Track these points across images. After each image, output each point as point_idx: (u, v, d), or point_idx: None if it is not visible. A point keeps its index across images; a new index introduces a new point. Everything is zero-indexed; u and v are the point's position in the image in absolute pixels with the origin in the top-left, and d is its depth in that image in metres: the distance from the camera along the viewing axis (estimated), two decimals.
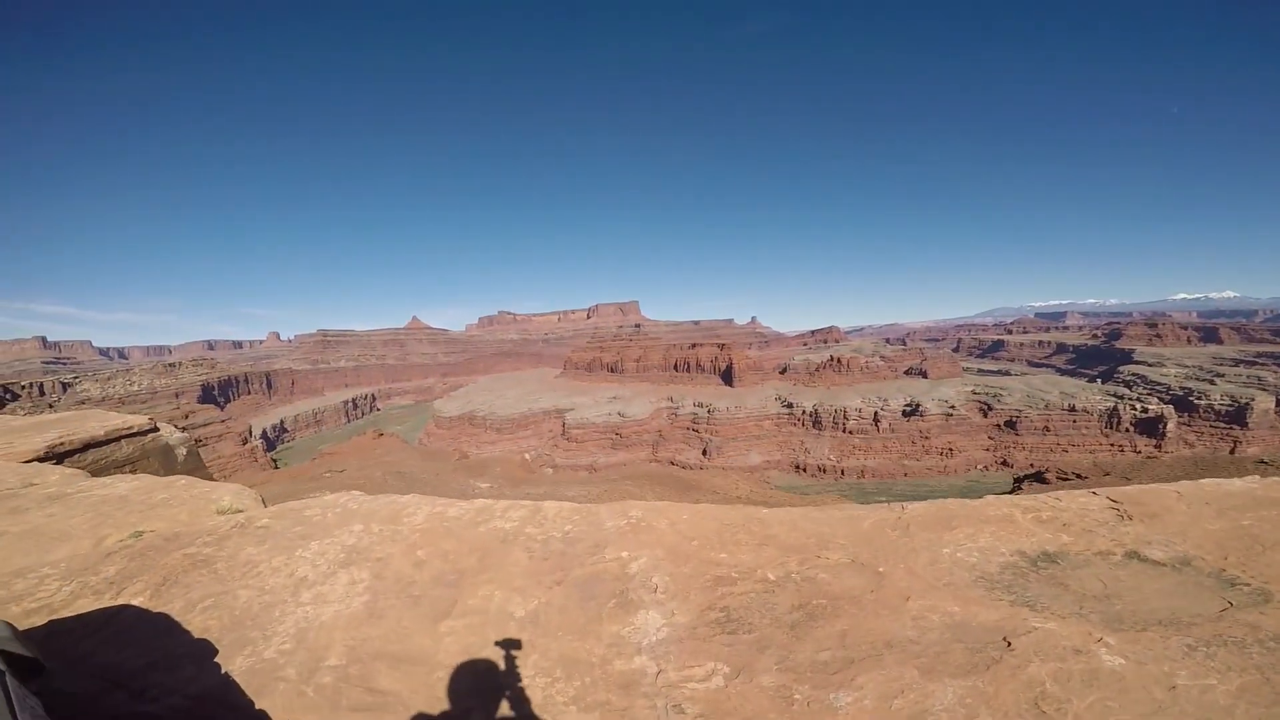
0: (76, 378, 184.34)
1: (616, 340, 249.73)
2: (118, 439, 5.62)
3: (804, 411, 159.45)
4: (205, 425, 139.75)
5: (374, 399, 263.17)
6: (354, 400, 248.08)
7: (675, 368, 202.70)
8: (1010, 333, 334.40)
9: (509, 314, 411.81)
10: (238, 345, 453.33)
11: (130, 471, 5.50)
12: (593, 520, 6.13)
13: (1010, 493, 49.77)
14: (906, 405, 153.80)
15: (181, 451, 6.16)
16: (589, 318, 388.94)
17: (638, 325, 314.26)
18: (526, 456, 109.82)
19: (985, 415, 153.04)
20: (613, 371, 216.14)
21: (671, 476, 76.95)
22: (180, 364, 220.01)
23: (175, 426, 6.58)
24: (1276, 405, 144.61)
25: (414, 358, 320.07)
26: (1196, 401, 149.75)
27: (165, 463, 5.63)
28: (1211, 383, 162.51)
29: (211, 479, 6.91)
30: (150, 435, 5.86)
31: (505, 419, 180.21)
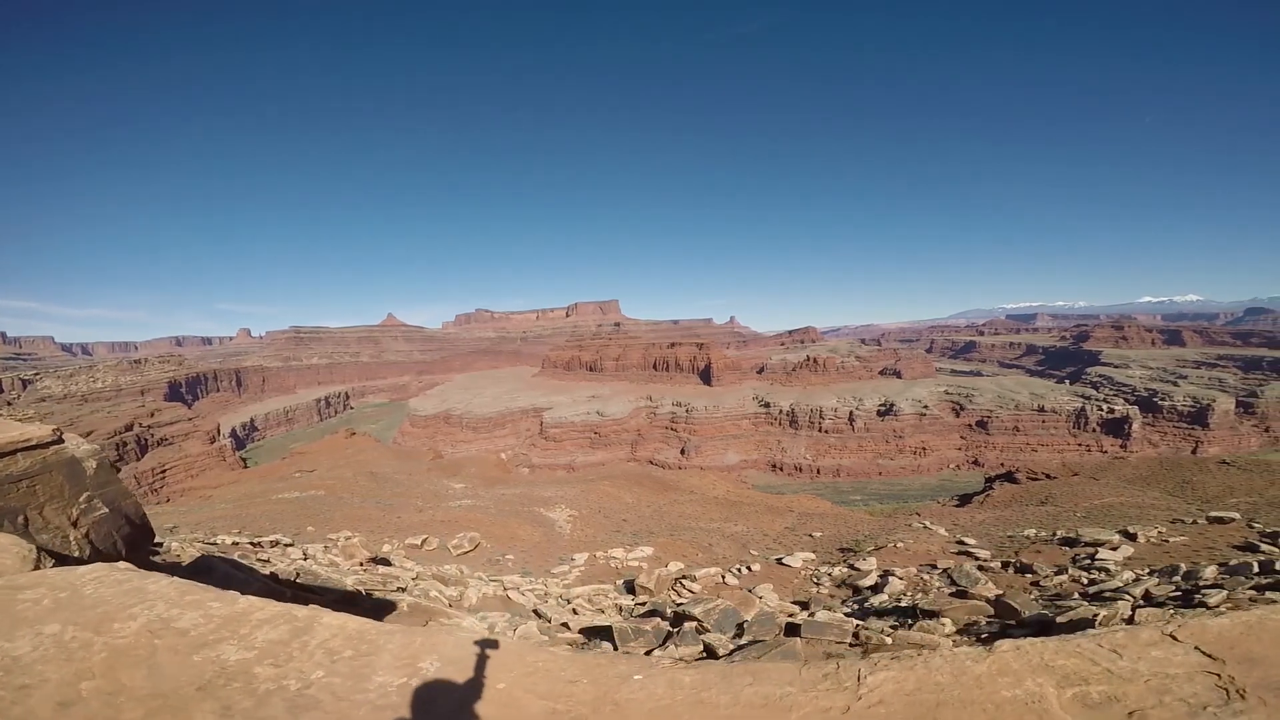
0: (37, 374, 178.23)
1: (596, 339, 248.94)
2: (12, 452, 5.09)
3: (781, 411, 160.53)
4: (172, 424, 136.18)
5: (347, 397, 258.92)
6: (327, 398, 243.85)
7: (654, 367, 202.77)
8: (982, 334, 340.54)
9: (487, 311, 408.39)
10: (207, 342, 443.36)
11: (28, 487, 4.97)
12: (359, 669, 4.06)
13: (982, 493, 49.81)
14: (881, 405, 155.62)
15: (91, 464, 5.64)
16: (568, 316, 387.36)
17: (617, 324, 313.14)
18: (503, 456, 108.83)
19: (957, 415, 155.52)
20: (592, 370, 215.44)
21: (649, 476, 76.70)
22: (147, 361, 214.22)
23: (84, 438, 6.03)
24: (1237, 406, 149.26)
25: (389, 355, 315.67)
26: (1160, 402, 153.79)
27: (71, 476, 5.13)
28: (1175, 384, 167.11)
29: (129, 494, 6.35)
30: (53, 447, 5.34)
31: (482, 418, 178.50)
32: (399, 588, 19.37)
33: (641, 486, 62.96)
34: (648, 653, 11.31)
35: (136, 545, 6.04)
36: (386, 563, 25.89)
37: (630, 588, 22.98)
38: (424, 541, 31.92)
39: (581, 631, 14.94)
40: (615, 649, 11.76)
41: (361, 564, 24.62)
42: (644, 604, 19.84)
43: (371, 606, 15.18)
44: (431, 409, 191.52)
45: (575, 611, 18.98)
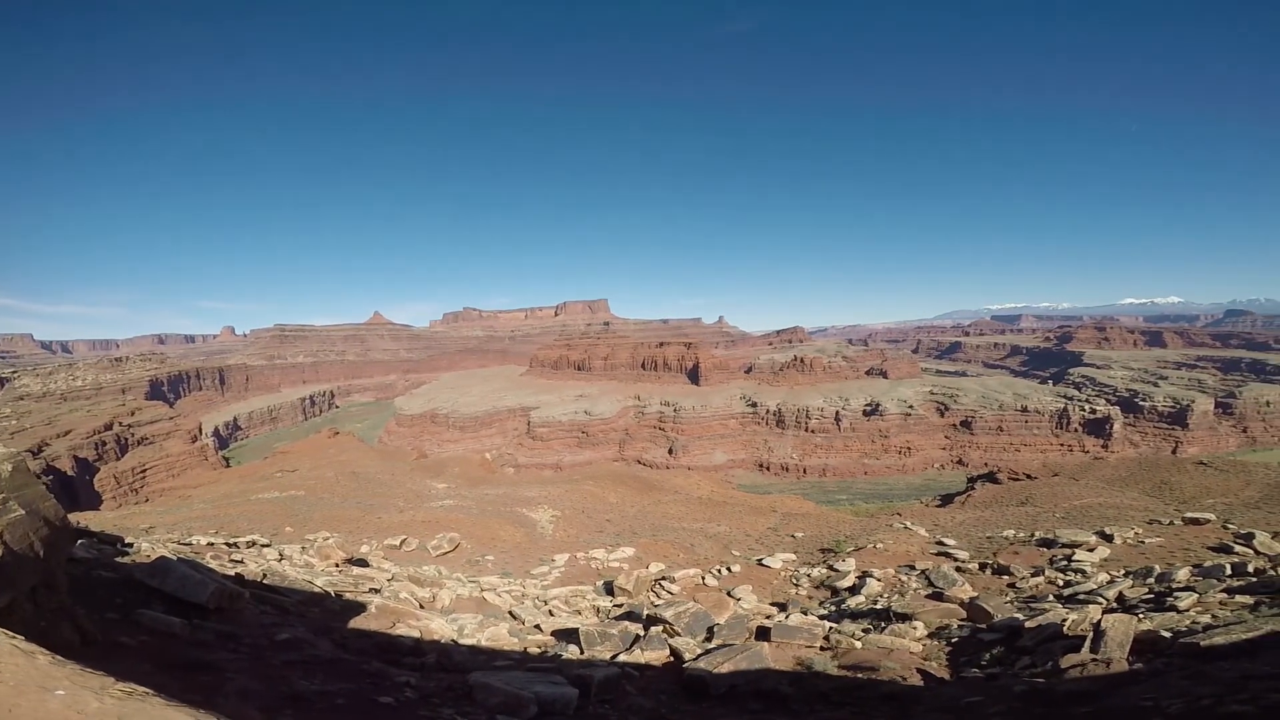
0: (15, 372, 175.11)
1: (584, 338, 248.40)
2: None
3: (768, 411, 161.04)
4: (152, 422, 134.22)
5: (333, 396, 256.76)
6: (311, 397, 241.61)
7: (643, 366, 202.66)
8: (968, 334, 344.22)
9: (474, 310, 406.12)
10: (190, 340, 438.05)
11: None
12: None
13: (963, 493, 50.22)
14: (867, 405, 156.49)
15: (6, 468, 5.38)
16: (557, 315, 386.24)
17: (606, 323, 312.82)
18: (487, 456, 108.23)
19: (942, 415, 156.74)
20: (580, 370, 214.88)
21: (635, 476, 76.49)
22: (128, 359, 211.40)
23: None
24: (1216, 407, 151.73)
25: (375, 354, 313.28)
26: (1141, 403, 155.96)
27: None
28: (1155, 385, 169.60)
29: (48, 496, 6.05)
30: None
31: (468, 417, 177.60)
32: (371, 589, 19.08)
33: (626, 486, 62.71)
34: (613, 657, 11.13)
35: (56, 546, 5.82)
36: (364, 564, 25.53)
37: (609, 589, 22.83)
38: (403, 542, 31.53)
39: (553, 634, 14.76)
40: (582, 652, 11.58)
41: (337, 565, 24.25)
42: (621, 606, 19.69)
43: (340, 608, 14.92)
44: (417, 408, 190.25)
45: (551, 613, 18.80)
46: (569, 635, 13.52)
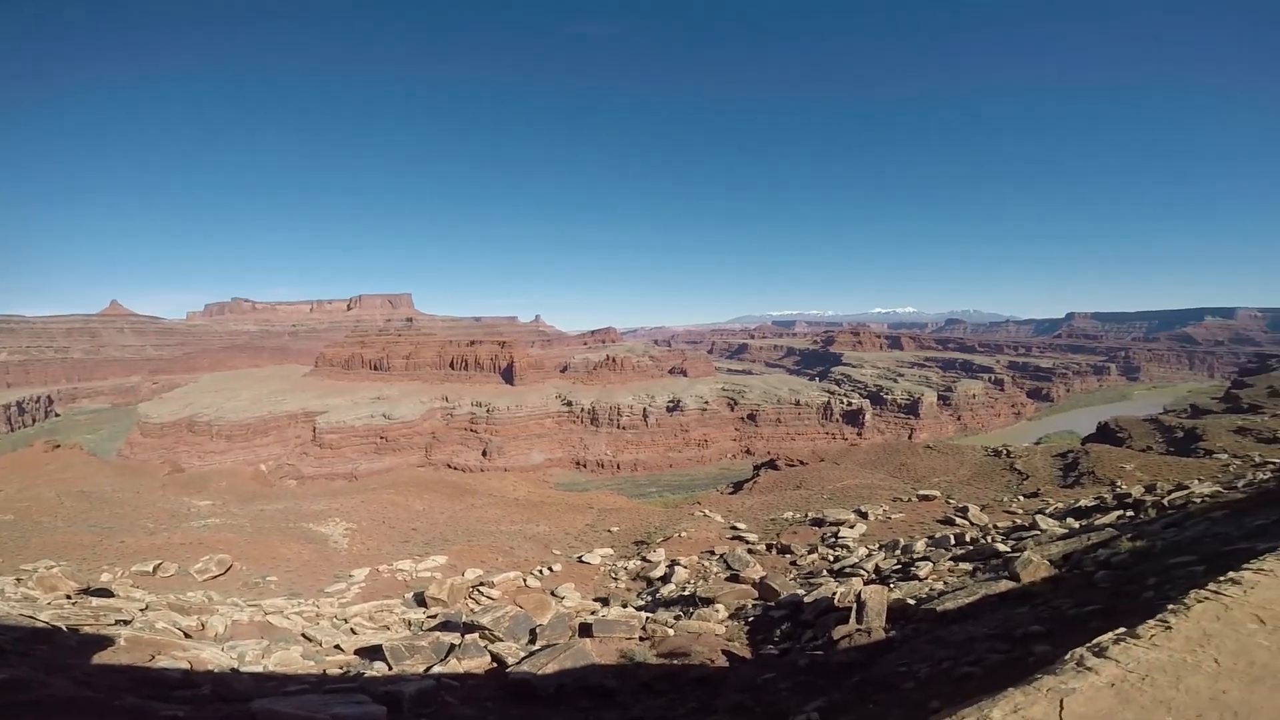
0: None
1: (383, 335, 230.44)
2: None
3: (583, 409, 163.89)
4: None
5: (50, 402, 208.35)
6: (20, 403, 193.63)
7: (452, 365, 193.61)
8: (753, 338, 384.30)
9: (246, 301, 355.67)
10: None
11: None
12: None
13: (750, 480, 55.54)
14: (670, 402, 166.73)
15: None
16: (350, 309, 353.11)
17: (409, 319, 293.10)
18: (263, 467, 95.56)
19: (732, 409, 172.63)
20: (377, 369, 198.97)
21: (443, 481, 72.61)
22: None
23: None
24: (938, 399, 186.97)
25: (112, 351, 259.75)
26: (885, 396, 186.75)
27: None
28: (895, 381, 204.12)
29: None
30: None
31: (237, 424, 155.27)
32: (120, 621, 15.98)
33: (434, 492, 59.44)
34: (427, 669, 10.61)
35: None
36: (107, 594, 21.26)
37: (420, 600, 21.66)
38: (157, 568, 26.76)
39: (357, 652, 13.65)
40: (390, 668, 10.85)
41: (68, 597, 19.90)
42: (436, 616, 18.79)
43: (78, 643, 12.35)
44: (169, 415, 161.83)
45: (354, 631, 17.31)
46: (375, 653, 12.61)
